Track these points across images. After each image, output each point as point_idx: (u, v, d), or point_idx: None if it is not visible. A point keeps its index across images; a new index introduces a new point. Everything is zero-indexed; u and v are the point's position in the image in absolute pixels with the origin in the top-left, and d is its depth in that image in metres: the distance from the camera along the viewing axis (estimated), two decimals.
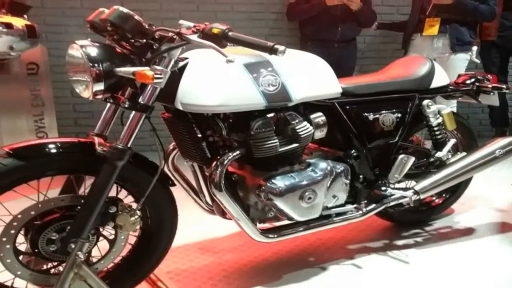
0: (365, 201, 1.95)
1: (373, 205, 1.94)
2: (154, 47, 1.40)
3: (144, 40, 1.39)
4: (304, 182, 1.68)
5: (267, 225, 1.77)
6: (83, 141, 1.43)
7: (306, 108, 1.74)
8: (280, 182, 1.63)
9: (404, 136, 2.04)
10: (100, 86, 1.35)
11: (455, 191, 2.39)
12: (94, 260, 1.52)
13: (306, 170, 1.73)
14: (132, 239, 1.61)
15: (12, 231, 1.36)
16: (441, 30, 3.22)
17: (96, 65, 1.33)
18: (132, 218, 1.47)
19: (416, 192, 1.96)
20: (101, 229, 1.49)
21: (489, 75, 2.26)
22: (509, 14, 3.48)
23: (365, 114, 1.91)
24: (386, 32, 4.02)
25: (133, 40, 1.39)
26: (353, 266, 1.93)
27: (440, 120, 2.11)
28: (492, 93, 2.22)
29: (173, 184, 1.61)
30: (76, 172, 1.48)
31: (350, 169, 1.85)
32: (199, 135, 1.59)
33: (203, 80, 1.49)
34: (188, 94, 1.47)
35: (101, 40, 1.41)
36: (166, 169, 1.78)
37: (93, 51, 1.34)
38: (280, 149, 1.62)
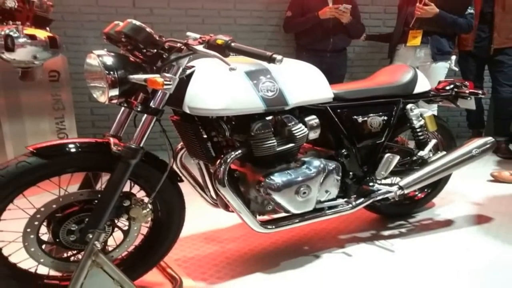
0: (355, 196, 1.95)
1: (362, 199, 1.93)
2: (164, 56, 1.40)
3: (155, 50, 1.40)
4: (300, 178, 1.68)
5: (266, 217, 1.77)
6: (99, 141, 1.43)
7: (301, 112, 1.74)
8: (278, 178, 1.63)
9: (390, 136, 2.04)
10: (115, 92, 1.35)
11: (436, 187, 2.39)
12: (110, 249, 1.52)
13: (301, 168, 1.73)
14: (144, 230, 1.61)
15: (36, 223, 1.36)
16: (423, 41, 3.22)
17: (111, 72, 1.33)
18: (144, 211, 1.47)
19: (400, 188, 1.96)
20: (116, 221, 1.49)
21: (466, 82, 2.26)
22: (485, 27, 3.47)
23: (355, 117, 1.91)
24: (374, 42, 4.02)
25: (145, 50, 1.40)
26: (343, 254, 1.93)
27: (422, 122, 2.11)
28: (469, 98, 2.22)
29: (181, 180, 1.61)
30: (94, 170, 1.49)
31: (341, 167, 1.85)
32: (205, 136, 1.59)
33: (208, 86, 1.48)
34: (195, 99, 1.47)
35: (116, 50, 1.41)
36: (174, 167, 1.77)
37: (109, 60, 1.34)
38: (277, 149, 1.62)
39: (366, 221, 2.30)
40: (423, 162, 2.13)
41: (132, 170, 1.39)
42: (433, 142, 2.18)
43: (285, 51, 3.93)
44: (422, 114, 2.11)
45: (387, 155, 1.96)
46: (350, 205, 1.89)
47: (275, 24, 3.96)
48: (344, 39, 3.51)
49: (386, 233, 2.16)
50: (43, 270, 1.45)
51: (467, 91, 2.21)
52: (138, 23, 1.34)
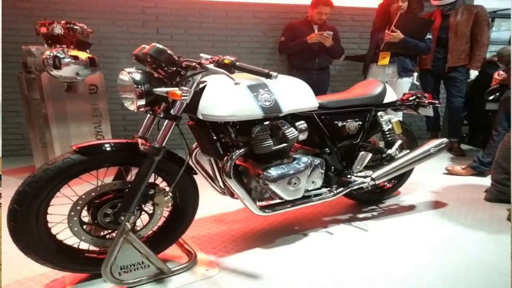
0: (336, 185, 1.95)
1: (341, 189, 1.93)
2: (182, 73, 1.40)
3: (174, 68, 1.39)
4: (291, 172, 1.68)
5: (264, 203, 1.77)
6: (130, 141, 1.43)
7: (293, 118, 1.74)
8: (274, 172, 1.63)
9: (364, 138, 2.04)
10: (142, 102, 1.35)
11: (401, 178, 2.39)
12: (138, 228, 1.52)
13: (292, 163, 1.73)
14: (166, 213, 1.61)
15: (78, 207, 1.37)
16: (391, 61, 3.21)
17: (139, 86, 1.33)
18: (166, 198, 1.47)
19: (373, 179, 1.96)
20: (143, 206, 1.49)
21: (426, 94, 2.26)
22: (440, 49, 3.47)
23: (336, 122, 1.91)
24: (351, 62, 4.02)
25: (166, 68, 1.39)
26: (326, 233, 1.93)
27: (390, 126, 2.11)
28: (428, 107, 2.22)
29: (196, 173, 1.61)
30: (125, 164, 1.49)
31: (324, 162, 1.85)
32: (215, 137, 1.59)
33: (217, 97, 1.48)
34: (207, 107, 1.47)
35: (143, 68, 1.41)
36: (190, 162, 1.78)
37: (137, 76, 1.34)
38: (273, 148, 1.62)
39: (345, 206, 2.30)
40: (391, 159, 2.13)
41: (156, 165, 1.39)
42: (399, 142, 2.17)
43: (279, 69, 3.93)
44: (390, 119, 2.11)
45: (361, 152, 1.96)
46: (332, 193, 1.89)
47: (272, 47, 3.95)
48: (327, 59, 3.50)
49: (361, 215, 2.16)
50: (84, 246, 1.45)
51: (426, 101, 2.21)
52: (161, 46, 1.34)
